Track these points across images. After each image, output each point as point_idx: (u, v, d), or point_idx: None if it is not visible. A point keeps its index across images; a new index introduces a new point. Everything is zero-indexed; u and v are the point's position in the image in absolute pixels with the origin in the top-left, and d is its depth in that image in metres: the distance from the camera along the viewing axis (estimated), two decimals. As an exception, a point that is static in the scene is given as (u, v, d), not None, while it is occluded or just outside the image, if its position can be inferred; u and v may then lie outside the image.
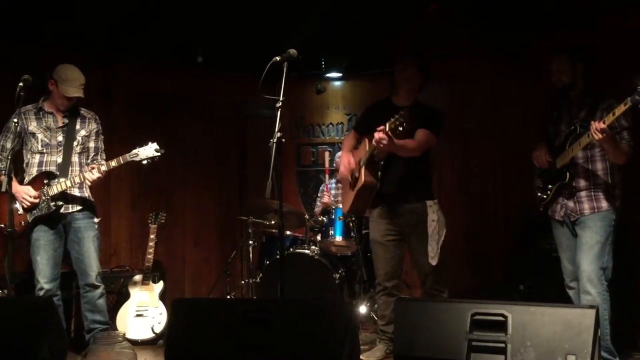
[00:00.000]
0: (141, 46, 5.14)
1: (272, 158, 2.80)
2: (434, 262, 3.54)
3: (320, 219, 4.81)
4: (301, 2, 4.67)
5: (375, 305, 4.57)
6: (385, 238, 3.68)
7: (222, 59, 5.55)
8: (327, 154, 5.76)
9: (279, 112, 2.87)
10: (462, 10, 4.83)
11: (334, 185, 5.51)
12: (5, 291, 3.97)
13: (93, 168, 3.68)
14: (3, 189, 3.27)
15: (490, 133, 5.09)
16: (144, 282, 4.47)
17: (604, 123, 2.91)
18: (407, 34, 5.24)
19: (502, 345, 2.38)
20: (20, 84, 3.33)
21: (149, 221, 4.66)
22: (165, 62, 5.47)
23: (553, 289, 3.73)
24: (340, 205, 4.67)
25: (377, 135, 3.21)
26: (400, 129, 3.13)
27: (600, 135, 2.92)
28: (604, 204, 3.19)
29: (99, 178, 3.67)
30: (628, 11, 4.12)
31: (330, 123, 6.19)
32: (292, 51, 2.92)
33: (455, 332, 2.46)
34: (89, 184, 3.71)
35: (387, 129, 3.15)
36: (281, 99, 2.88)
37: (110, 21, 4.71)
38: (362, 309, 4.57)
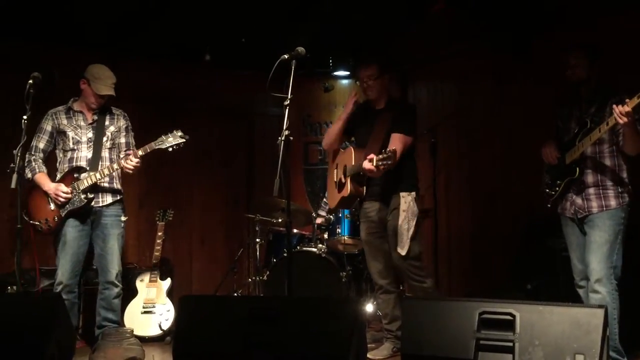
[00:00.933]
0: (148, 44, 5.15)
1: (280, 156, 2.81)
2: (402, 252, 3.58)
3: (327, 217, 4.81)
4: (308, 0, 4.67)
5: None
6: (370, 237, 3.79)
7: (229, 57, 5.55)
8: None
9: (286, 110, 2.87)
10: (465, 10, 4.82)
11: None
12: (15, 287, 4.01)
13: (129, 155, 3.74)
14: (13, 186, 3.29)
15: (495, 132, 5.08)
16: (151, 279, 4.49)
17: (628, 106, 2.85)
18: (412, 33, 5.23)
19: (510, 344, 2.37)
20: (30, 81, 3.37)
21: (157, 219, 4.68)
22: (172, 61, 5.49)
23: (561, 288, 3.72)
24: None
25: (367, 166, 3.41)
26: (388, 165, 3.32)
27: (625, 119, 2.86)
28: (613, 202, 3.17)
29: (138, 163, 3.72)
30: (629, 11, 4.09)
31: (338, 121, 6.18)
32: (300, 49, 2.93)
33: (463, 330, 2.46)
34: (130, 172, 3.75)
35: (375, 165, 3.33)
36: (289, 97, 2.88)
37: (117, 19, 4.72)
38: (369, 307, 4.57)
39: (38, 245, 4.28)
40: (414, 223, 3.61)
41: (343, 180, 3.82)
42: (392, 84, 3.86)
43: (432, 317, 2.57)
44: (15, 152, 3.53)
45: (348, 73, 6.07)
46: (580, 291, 3.34)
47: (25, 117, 3.36)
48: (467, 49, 5.14)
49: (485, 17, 4.76)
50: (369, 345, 3.55)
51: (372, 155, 3.37)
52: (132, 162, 3.70)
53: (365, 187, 3.74)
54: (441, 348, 2.48)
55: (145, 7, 4.59)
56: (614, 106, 2.91)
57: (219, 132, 5.82)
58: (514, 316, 2.40)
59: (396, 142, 3.58)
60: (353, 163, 3.69)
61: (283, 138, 2.83)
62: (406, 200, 3.63)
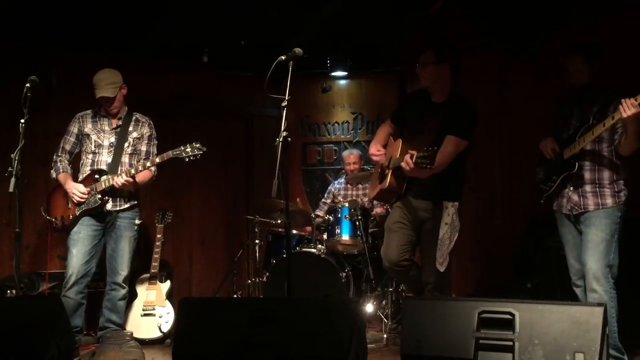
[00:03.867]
0: (146, 46, 5.15)
1: (278, 157, 2.80)
2: (441, 268, 3.41)
3: (326, 217, 4.81)
4: (307, 1, 4.67)
5: (383, 302, 4.57)
6: (395, 225, 3.58)
7: (227, 58, 5.55)
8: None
9: (284, 111, 2.87)
10: (465, 10, 4.81)
11: (342, 185, 5.50)
12: (14, 291, 4.01)
13: (122, 172, 3.80)
14: (11, 190, 3.29)
15: (496, 132, 5.08)
16: (151, 281, 4.49)
17: (635, 100, 2.84)
18: (412, 32, 5.23)
19: (510, 343, 2.37)
20: (27, 85, 3.37)
21: (156, 221, 4.68)
22: (171, 62, 5.48)
23: (560, 287, 3.72)
24: (346, 204, 4.69)
25: (406, 160, 3.17)
26: (425, 167, 3.08)
27: (633, 110, 2.83)
28: (609, 201, 3.16)
29: (128, 182, 3.76)
30: (630, 10, 4.08)
31: (336, 122, 6.19)
32: (298, 50, 2.92)
33: (462, 330, 2.45)
34: (118, 187, 3.79)
35: (414, 161, 3.10)
36: (287, 98, 2.87)
37: (116, 20, 4.72)
38: (369, 308, 4.56)
39: (42, 249, 4.30)
40: (455, 238, 3.42)
41: (386, 171, 3.63)
42: (450, 76, 3.52)
43: (432, 316, 2.56)
44: (13, 155, 3.54)
45: (346, 74, 6.07)
46: (577, 290, 3.32)
47: (22, 120, 3.36)
48: (467, 48, 5.12)
49: (486, 16, 4.75)
50: (369, 346, 3.55)
51: (413, 151, 3.12)
52: (119, 180, 3.74)
53: (405, 184, 3.52)
54: (441, 348, 2.48)
55: (143, 9, 4.59)
56: (623, 100, 2.87)
57: (218, 134, 5.80)
58: (513, 315, 2.39)
59: (449, 145, 3.34)
60: (398, 156, 3.45)
61: (281, 139, 2.82)
62: (449, 212, 3.41)
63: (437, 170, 3.26)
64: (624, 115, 2.88)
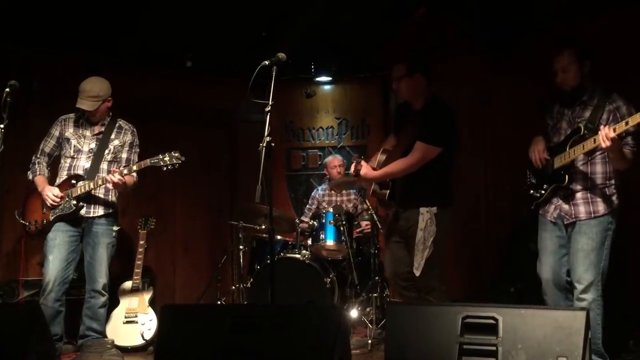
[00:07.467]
0: (129, 51, 5.12)
1: (262, 162, 2.79)
2: (417, 273, 3.42)
3: (310, 223, 4.80)
4: (291, 7, 4.68)
5: (368, 308, 4.57)
6: (390, 239, 3.67)
7: (211, 63, 5.53)
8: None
9: (268, 117, 2.86)
10: (449, 14, 4.85)
11: (326, 191, 5.49)
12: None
13: (115, 171, 3.71)
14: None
15: (479, 135, 5.11)
16: (133, 288, 4.44)
17: (614, 131, 2.77)
18: (396, 37, 5.25)
19: (493, 348, 2.37)
20: (7, 89, 3.33)
21: (139, 227, 4.64)
22: (154, 67, 5.45)
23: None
24: (330, 210, 4.69)
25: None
26: (355, 177, 3.61)
27: (608, 143, 2.78)
28: (601, 208, 3.07)
29: (121, 180, 3.67)
30: (621, 9, 4.11)
31: (320, 127, 6.19)
32: (281, 55, 2.91)
33: (446, 335, 2.45)
34: (110, 187, 3.75)
35: (353, 172, 3.63)
36: (270, 103, 2.87)
37: (99, 24, 4.69)
38: (354, 313, 4.56)
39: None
40: (430, 243, 3.39)
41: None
42: (425, 83, 3.54)
43: (416, 322, 2.56)
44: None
45: (330, 79, 6.09)
46: (548, 299, 3.22)
47: (2, 125, 3.31)
48: (455, 50, 5.15)
49: (468, 20, 4.78)
50: (353, 351, 3.54)
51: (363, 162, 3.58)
52: (114, 178, 3.66)
53: (388, 191, 3.63)
54: (425, 353, 2.47)
55: (126, 13, 4.56)
56: (601, 128, 2.82)
57: (202, 139, 5.78)
58: (496, 320, 2.40)
59: (415, 151, 3.41)
60: (375, 165, 3.65)
61: (265, 144, 2.81)
62: (424, 218, 3.41)
63: (407, 172, 3.44)
64: (602, 145, 2.82)
